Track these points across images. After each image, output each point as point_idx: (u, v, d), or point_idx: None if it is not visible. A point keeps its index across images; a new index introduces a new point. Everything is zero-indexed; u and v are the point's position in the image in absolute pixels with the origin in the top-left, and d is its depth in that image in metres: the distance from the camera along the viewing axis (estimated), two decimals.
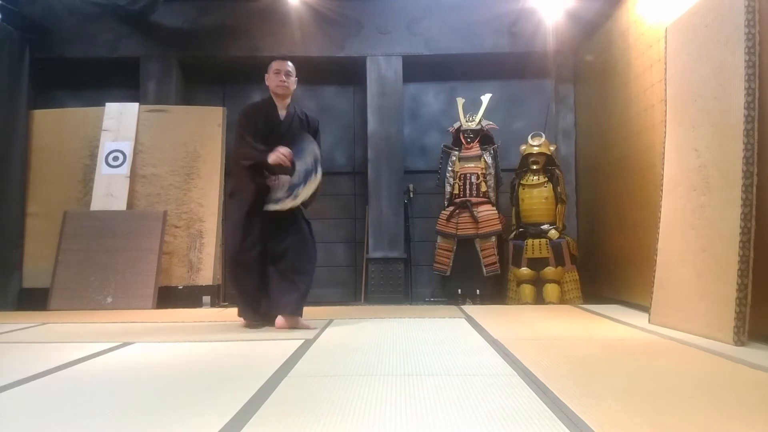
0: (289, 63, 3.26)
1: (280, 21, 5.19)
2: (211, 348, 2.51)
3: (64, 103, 5.31)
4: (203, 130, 4.98)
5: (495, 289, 4.79)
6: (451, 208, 4.84)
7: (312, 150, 3.11)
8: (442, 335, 2.76)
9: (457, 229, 4.78)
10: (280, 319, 3.03)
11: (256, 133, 3.16)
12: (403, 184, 5.30)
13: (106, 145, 4.89)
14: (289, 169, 3.08)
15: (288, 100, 3.28)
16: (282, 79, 3.20)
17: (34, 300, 4.47)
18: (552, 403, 1.47)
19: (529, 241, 4.58)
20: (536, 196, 4.70)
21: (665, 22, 3.28)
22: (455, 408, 1.45)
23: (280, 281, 3.09)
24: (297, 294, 3.06)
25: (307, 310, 3.21)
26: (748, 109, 2.43)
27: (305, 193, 3.05)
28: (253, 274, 3.11)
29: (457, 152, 4.96)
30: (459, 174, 4.89)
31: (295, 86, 3.30)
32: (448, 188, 4.96)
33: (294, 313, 3.05)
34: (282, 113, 3.25)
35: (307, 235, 3.22)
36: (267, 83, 3.27)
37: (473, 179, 4.84)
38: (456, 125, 5.03)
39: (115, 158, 4.85)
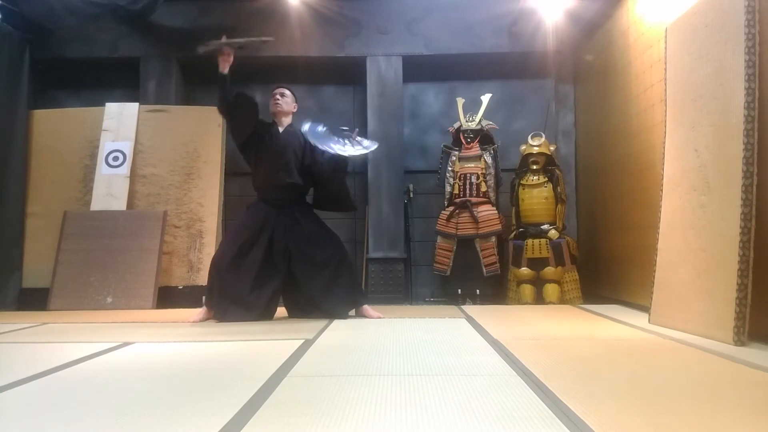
0: (285, 90, 3.69)
1: (279, 21, 5.18)
2: (211, 348, 2.51)
3: (64, 103, 5.30)
4: (203, 130, 4.98)
5: (495, 289, 4.78)
6: (451, 208, 4.84)
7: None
8: (442, 335, 2.75)
9: (457, 229, 4.77)
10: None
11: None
12: (403, 184, 5.30)
13: (106, 145, 4.89)
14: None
15: (287, 120, 3.69)
16: (276, 99, 3.65)
17: (34, 300, 4.47)
18: (552, 403, 1.47)
19: (529, 241, 4.58)
20: (536, 196, 4.70)
21: (665, 22, 3.28)
22: (455, 408, 1.44)
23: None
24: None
25: None
26: (748, 109, 2.43)
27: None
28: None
29: (457, 152, 4.96)
30: (459, 174, 4.88)
31: (290, 106, 3.70)
32: (448, 188, 4.95)
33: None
34: (281, 129, 3.66)
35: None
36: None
37: (473, 179, 4.84)
38: (456, 125, 5.02)
39: (115, 158, 4.85)
